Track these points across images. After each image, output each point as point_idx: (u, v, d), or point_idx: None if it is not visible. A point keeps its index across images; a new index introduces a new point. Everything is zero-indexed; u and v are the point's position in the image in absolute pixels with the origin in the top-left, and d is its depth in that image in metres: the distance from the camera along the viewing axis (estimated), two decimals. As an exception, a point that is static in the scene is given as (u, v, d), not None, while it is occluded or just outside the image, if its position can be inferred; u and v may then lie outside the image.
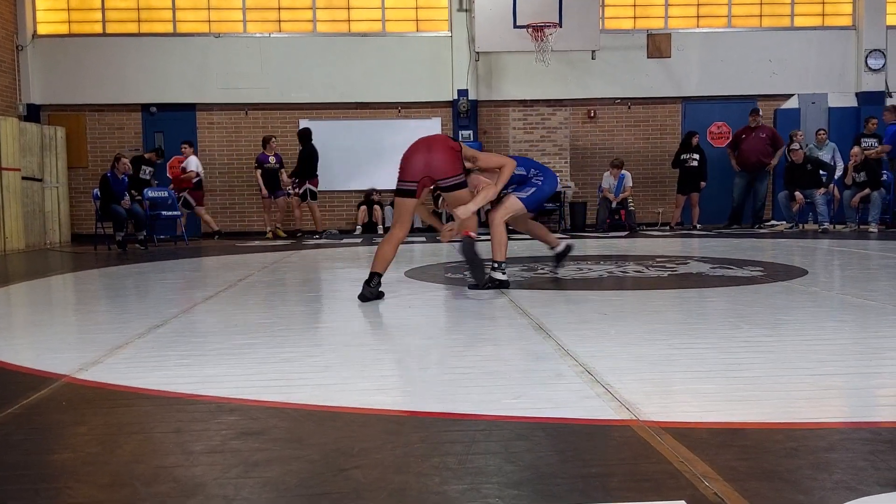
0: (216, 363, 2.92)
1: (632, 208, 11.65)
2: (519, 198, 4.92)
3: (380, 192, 12.31)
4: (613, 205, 11.58)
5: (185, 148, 11.51)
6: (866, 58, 12.62)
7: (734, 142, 11.76)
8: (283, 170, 11.59)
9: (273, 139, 11.58)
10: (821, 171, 10.85)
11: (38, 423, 2.24)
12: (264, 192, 11.45)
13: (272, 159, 11.50)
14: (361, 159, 12.56)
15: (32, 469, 1.83)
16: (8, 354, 3.16)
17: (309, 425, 2.12)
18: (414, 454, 1.85)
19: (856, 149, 10.68)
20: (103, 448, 1.98)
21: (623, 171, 11.69)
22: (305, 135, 11.45)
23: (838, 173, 11.18)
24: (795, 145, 11.07)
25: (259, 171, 11.46)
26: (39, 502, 1.62)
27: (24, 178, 10.44)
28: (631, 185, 11.68)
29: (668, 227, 11.87)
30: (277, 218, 11.76)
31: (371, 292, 4.39)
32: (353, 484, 1.66)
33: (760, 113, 11.77)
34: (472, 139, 12.41)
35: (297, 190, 11.38)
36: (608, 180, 11.73)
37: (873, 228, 10.17)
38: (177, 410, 2.30)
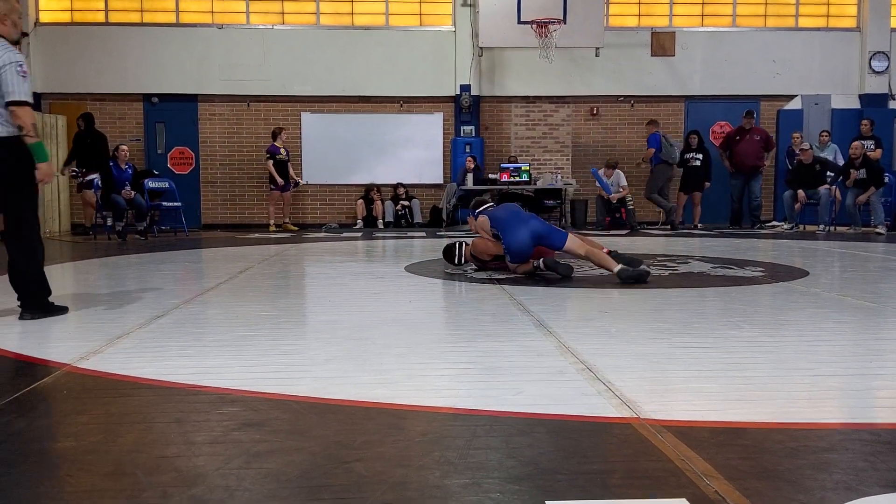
0: (217, 354, 2.93)
1: (631, 207, 11.62)
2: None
3: (379, 188, 12.28)
4: (614, 202, 11.52)
5: None
6: (870, 60, 12.60)
7: (727, 143, 11.74)
8: (289, 162, 11.61)
9: (283, 131, 11.57)
10: (828, 172, 10.84)
11: (40, 411, 2.24)
12: (280, 181, 11.41)
13: (283, 151, 11.51)
14: (362, 153, 12.55)
15: (34, 457, 1.83)
16: (9, 343, 3.16)
17: (310, 418, 2.12)
18: (415, 448, 1.85)
19: (856, 143, 10.66)
20: (105, 437, 1.99)
21: (616, 171, 11.63)
22: (89, 119, 10.49)
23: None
24: (806, 145, 11.05)
25: (271, 162, 11.46)
26: (41, 490, 1.62)
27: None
28: (625, 184, 11.61)
29: (669, 227, 11.86)
30: (286, 211, 11.75)
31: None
32: (354, 477, 1.67)
33: (755, 114, 11.74)
34: (473, 135, 12.40)
35: (81, 179, 10.25)
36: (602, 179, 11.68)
37: (881, 230, 10.15)
38: (178, 401, 2.30)
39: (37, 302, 3.77)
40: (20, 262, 3.75)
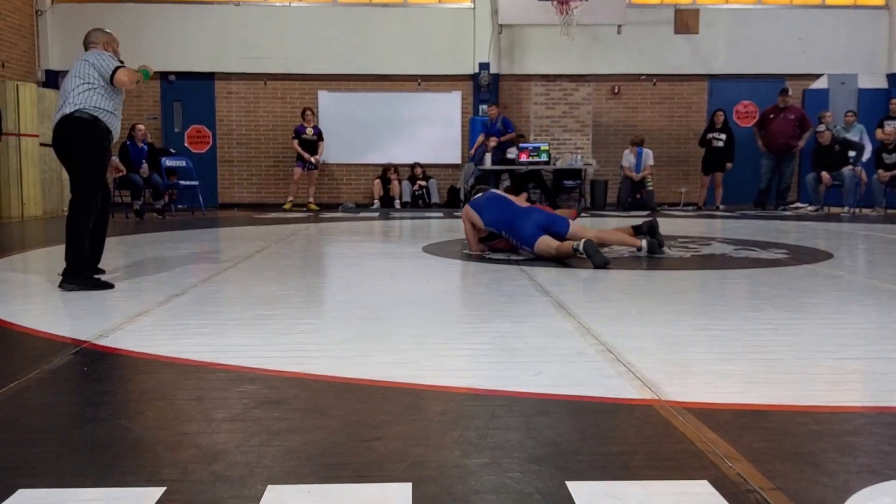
0: (235, 333, 2.94)
1: (651, 188, 11.49)
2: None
3: (396, 168, 12.23)
4: (637, 179, 11.37)
5: None
6: (899, 39, 12.29)
7: (761, 121, 11.54)
8: (321, 142, 11.62)
9: (308, 111, 11.59)
10: (850, 152, 10.62)
11: (59, 388, 2.26)
12: (307, 157, 11.44)
13: (309, 130, 11.52)
14: (380, 132, 12.49)
15: (53, 434, 1.85)
16: (27, 319, 3.20)
17: (329, 396, 2.12)
18: (434, 427, 1.84)
19: (889, 128, 10.43)
20: (125, 414, 2.00)
21: (642, 148, 11.50)
22: None
23: (866, 156, 10.94)
24: (822, 127, 10.84)
25: (296, 142, 11.49)
26: (62, 467, 1.63)
27: (41, 144, 10.48)
28: (652, 163, 11.50)
29: (691, 208, 11.71)
30: (310, 191, 11.75)
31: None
32: (374, 455, 1.66)
33: (790, 93, 11.51)
34: (492, 114, 12.28)
35: None
36: (628, 158, 11.56)
37: None
38: (197, 378, 2.31)
39: (70, 272, 3.92)
40: (67, 226, 3.98)
